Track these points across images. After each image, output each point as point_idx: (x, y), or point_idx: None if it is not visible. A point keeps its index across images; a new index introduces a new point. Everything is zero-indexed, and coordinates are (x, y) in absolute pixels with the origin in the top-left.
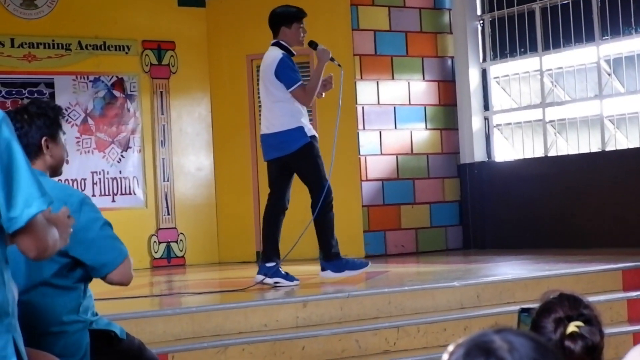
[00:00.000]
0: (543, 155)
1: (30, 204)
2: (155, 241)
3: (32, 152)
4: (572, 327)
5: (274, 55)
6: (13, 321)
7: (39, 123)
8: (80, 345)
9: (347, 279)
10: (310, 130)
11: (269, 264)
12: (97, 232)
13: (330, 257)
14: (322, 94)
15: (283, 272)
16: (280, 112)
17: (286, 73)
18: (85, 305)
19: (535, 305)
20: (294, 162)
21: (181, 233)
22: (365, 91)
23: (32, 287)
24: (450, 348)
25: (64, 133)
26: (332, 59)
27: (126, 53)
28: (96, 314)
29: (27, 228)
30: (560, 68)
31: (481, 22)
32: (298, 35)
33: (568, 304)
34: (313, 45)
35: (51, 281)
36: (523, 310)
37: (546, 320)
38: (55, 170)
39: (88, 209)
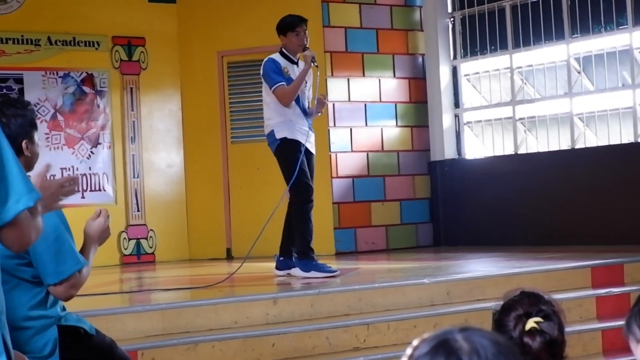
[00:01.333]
0: (513, 153)
1: (18, 199)
2: (125, 238)
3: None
4: (530, 324)
5: (265, 60)
6: (2, 318)
7: (17, 124)
8: (48, 341)
9: (311, 280)
10: (282, 133)
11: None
12: (51, 242)
13: (302, 256)
14: (319, 113)
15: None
16: (266, 115)
17: (269, 75)
18: (53, 300)
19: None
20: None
21: (151, 230)
22: (336, 88)
23: None
24: (415, 342)
25: (37, 131)
26: (313, 61)
27: (96, 49)
28: (64, 310)
29: (13, 223)
30: (531, 66)
31: (452, 19)
32: (293, 42)
33: (528, 301)
34: (304, 49)
35: (14, 272)
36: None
37: (507, 318)
38: (28, 168)
39: (48, 216)
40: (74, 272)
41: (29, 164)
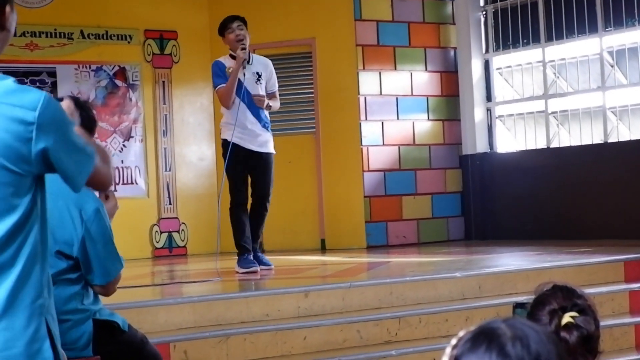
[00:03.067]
0: (545, 147)
1: (88, 164)
2: (157, 231)
3: None
4: (566, 318)
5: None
6: (46, 303)
7: (81, 118)
8: (83, 334)
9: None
10: (224, 134)
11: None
12: (102, 247)
13: (238, 253)
14: (266, 109)
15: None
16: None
17: (212, 78)
18: (90, 295)
19: (530, 299)
20: None
21: (183, 223)
22: (368, 82)
23: None
24: (461, 334)
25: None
26: (244, 64)
27: (128, 42)
28: (99, 303)
29: (92, 176)
30: (563, 59)
31: (484, 12)
32: (231, 40)
33: (562, 295)
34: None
35: (59, 272)
36: (517, 305)
37: (541, 312)
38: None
39: (100, 219)
40: (119, 272)
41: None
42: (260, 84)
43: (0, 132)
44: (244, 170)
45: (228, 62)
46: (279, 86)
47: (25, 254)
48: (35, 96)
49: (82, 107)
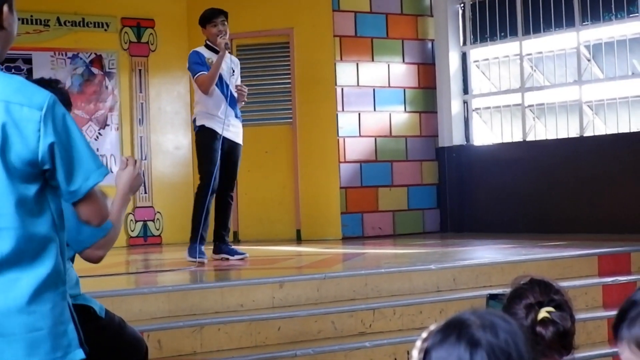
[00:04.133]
0: (521, 140)
1: (88, 176)
2: (131, 219)
3: None
4: (543, 313)
5: (190, 53)
6: (67, 289)
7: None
8: None
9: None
10: (201, 121)
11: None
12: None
13: (191, 238)
14: (242, 102)
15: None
16: (194, 104)
17: (191, 66)
18: (70, 278)
19: (504, 291)
20: None
21: (158, 212)
22: (345, 73)
23: None
24: (431, 327)
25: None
26: (226, 47)
27: (105, 30)
28: (78, 289)
29: (87, 198)
30: (540, 53)
31: (462, 5)
32: (212, 33)
33: (539, 290)
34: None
35: None
36: (491, 297)
37: (517, 306)
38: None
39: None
40: (97, 240)
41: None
42: (233, 78)
43: (9, 129)
44: (221, 159)
45: (206, 53)
46: (257, 75)
47: (52, 246)
48: (42, 96)
49: (51, 86)
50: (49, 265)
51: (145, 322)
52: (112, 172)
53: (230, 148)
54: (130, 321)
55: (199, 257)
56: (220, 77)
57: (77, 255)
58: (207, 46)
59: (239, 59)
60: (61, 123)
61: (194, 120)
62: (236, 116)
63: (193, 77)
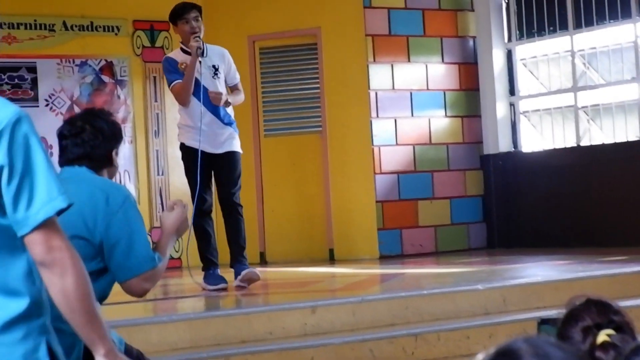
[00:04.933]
0: (575, 145)
1: (40, 209)
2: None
3: (102, 162)
4: (602, 336)
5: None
6: (47, 322)
7: (109, 132)
8: (73, 348)
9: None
10: (181, 137)
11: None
12: (126, 238)
13: (203, 267)
14: (225, 106)
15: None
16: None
17: (165, 76)
18: None
19: (559, 312)
20: None
21: None
22: (379, 75)
23: None
24: (479, 357)
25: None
26: (198, 52)
27: (116, 34)
28: None
29: (39, 232)
30: (594, 48)
31: None
32: (184, 32)
33: (596, 311)
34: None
35: None
36: (543, 322)
37: (573, 329)
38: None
39: (128, 208)
40: (147, 270)
41: (112, 175)
42: (218, 78)
43: None
44: (206, 176)
45: (180, 56)
46: (282, 80)
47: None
48: (5, 113)
49: (100, 117)
50: (20, 295)
51: (164, 353)
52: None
53: (219, 160)
54: (148, 352)
55: (217, 284)
56: (197, 82)
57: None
58: (181, 49)
59: (261, 62)
60: (21, 144)
61: (178, 134)
62: (224, 122)
63: (169, 85)
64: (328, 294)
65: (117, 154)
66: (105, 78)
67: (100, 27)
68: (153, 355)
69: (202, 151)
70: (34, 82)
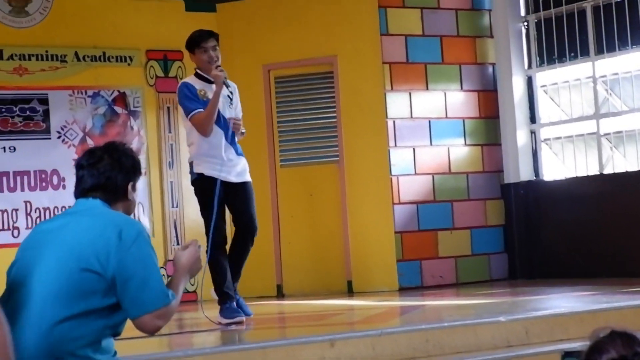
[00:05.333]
0: (598, 173)
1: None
2: (163, 274)
3: (117, 195)
4: None
5: (179, 85)
6: None
7: (127, 166)
8: None
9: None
10: (199, 167)
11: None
12: (139, 273)
13: (219, 301)
14: (239, 136)
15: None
16: (187, 142)
17: (183, 102)
18: (106, 344)
19: (582, 345)
20: None
21: None
22: (396, 103)
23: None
24: None
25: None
26: (224, 82)
27: (128, 64)
28: (115, 355)
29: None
30: (616, 74)
31: (525, 23)
32: (202, 60)
33: (621, 343)
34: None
35: (83, 294)
36: (567, 354)
37: None
38: (128, 214)
39: (141, 242)
40: (160, 307)
41: (128, 210)
42: (231, 108)
43: None
44: (222, 207)
45: (198, 83)
46: (297, 110)
47: None
48: None
49: (118, 148)
50: None
51: None
52: (140, 221)
53: (236, 190)
54: None
55: (234, 317)
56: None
57: None
58: (197, 75)
59: (277, 91)
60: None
61: (190, 165)
62: (237, 153)
63: (186, 116)
64: (347, 327)
65: (134, 188)
66: (118, 109)
67: (112, 57)
68: None
69: (221, 181)
70: (46, 113)
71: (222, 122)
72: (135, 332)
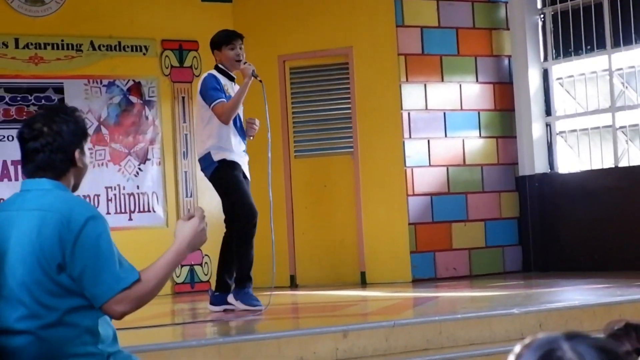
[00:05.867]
0: (613, 166)
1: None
2: None
3: (64, 167)
4: None
5: (202, 76)
6: None
7: (69, 132)
8: None
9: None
10: (219, 155)
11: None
12: (94, 258)
13: (237, 284)
14: (250, 137)
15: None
16: (201, 138)
17: (207, 92)
18: (104, 334)
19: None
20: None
21: (206, 255)
22: (412, 95)
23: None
24: (517, 350)
25: (88, 140)
26: (253, 74)
27: (144, 54)
28: (115, 344)
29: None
30: (632, 67)
31: (542, 16)
32: (229, 57)
33: (636, 335)
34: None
35: (60, 299)
36: None
37: None
38: (77, 184)
39: (92, 226)
40: (114, 293)
41: (79, 176)
42: (242, 106)
43: None
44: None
45: (222, 79)
46: (312, 101)
47: None
48: None
49: (58, 118)
50: None
51: None
52: (154, 211)
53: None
54: None
55: (254, 305)
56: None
57: None
58: (219, 70)
59: (292, 82)
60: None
61: (207, 156)
62: (244, 151)
63: (209, 105)
64: (360, 318)
65: (82, 153)
66: (133, 99)
67: (128, 47)
68: None
69: (241, 168)
70: (61, 102)
71: (236, 118)
72: (149, 322)
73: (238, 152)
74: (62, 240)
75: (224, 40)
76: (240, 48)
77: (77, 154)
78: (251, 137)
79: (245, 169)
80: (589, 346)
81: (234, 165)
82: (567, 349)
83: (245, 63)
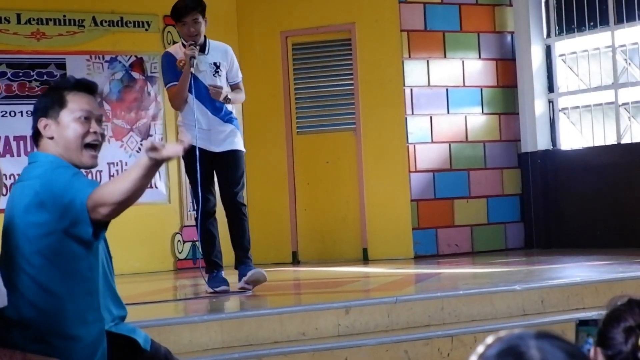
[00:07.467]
0: (615, 143)
1: None
2: (179, 240)
3: (36, 139)
4: None
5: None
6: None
7: (37, 104)
8: (94, 351)
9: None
10: (181, 135)
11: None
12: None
13: (206, 269)
14: (225, 102)
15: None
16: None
17: (162, 72)
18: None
19: (598, 314)
20: None
21: None
22: (414, 71)
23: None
24: (489, 340)
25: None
26: (191, 62)
27: (146, 30)
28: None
29: None
30: (636, 44)
31: None
32: (183, 32)
33: (639, 311)
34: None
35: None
36: (581, 323)
37: (615, 330)
38: (70, 158)
39: (57, 175)
40: (91, 191)
41: (66, 145)
42: (220, 76)
43: None
44: (208, 175)
45: (180, 53)
46: (315, 77)
47: None
48: None
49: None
50: None
51: (196, 354)
52: (156, 187)
53: (220, 159)
54: (178, 353)
55: (220, 286)
56: (195, 79)
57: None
58: (183, 44)
59: (294, 58)
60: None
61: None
62: (224, 120)
63: (165, 85)
64: (362, 295)
65: (57, 122)
66: (136, 74)
67: (130, 22)
68: (184, 356)
69: (201, 149)
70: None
71: (202, 91)
72: (152, 297)
73: (208, 130)
74: (42, 201)
75: (174, 17)
76: (196, 22)
77: (40, 127)
78: (227, 103)
79: (221, 142)
80: (557, 348)
81: (189, 150)
82: (533, 347)
83: (190, 47)
